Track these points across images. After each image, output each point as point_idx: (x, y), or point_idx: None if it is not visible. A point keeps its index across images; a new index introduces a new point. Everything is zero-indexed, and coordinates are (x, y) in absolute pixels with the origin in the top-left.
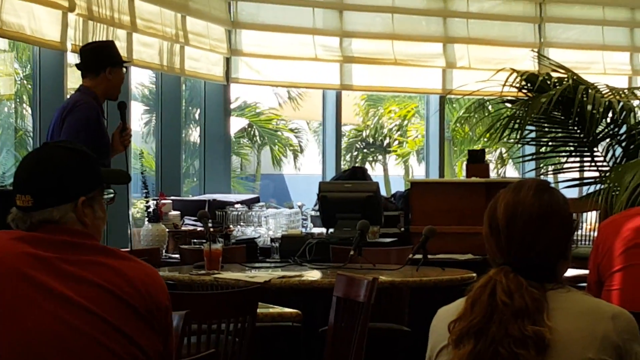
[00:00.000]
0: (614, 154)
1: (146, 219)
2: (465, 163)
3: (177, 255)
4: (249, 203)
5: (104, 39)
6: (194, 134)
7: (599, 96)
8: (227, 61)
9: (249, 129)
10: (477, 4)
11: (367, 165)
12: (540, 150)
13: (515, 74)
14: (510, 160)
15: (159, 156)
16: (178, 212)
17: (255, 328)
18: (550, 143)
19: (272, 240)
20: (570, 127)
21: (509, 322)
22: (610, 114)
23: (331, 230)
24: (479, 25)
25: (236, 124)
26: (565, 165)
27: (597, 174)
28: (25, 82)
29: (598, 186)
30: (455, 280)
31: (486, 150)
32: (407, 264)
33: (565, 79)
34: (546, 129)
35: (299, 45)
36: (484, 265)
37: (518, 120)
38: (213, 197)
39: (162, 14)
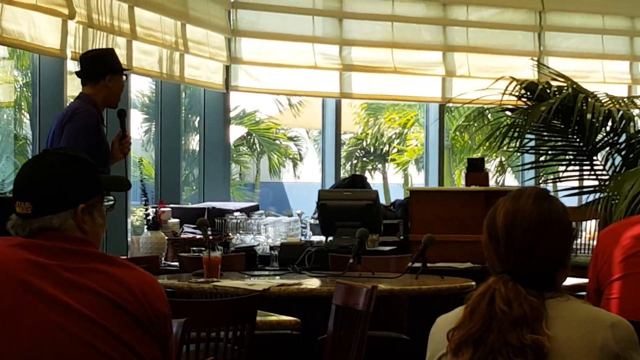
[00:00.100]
0: (613, 163)
1: (145, 226)
2: (464, 171)
3: (176, 263)
4: (248, 211)
5: (104, 46)
6: (194, 142)
7: (598, 105)
8: (227, 69)
9: (248, 137)
10: (477, 12)
11: (367, 174)
12: (540, 158)
13: (514, 83)
14: (510, 169)
15: (158, 164)
16: (177, 220)
17: (254, 336)
18: (549, 152)
19: (271, 248)
20: (569, 136)
21: (508, 331)
22: (609, 123)
23: (330, 238)
24: (478, 33)
25: (235, 132)
26: (565, 174)
27: (596, 182)
28: (24, 89)
29: (597, 195)
30: (455, 289)
31: (485, 158)
32: (406, 272)
33: (565, 88)
34: (546, 138)
35: (299, 53)
36: (483, 273)
37: (517, 129)
38: (212, 205)
39: (162, 22)
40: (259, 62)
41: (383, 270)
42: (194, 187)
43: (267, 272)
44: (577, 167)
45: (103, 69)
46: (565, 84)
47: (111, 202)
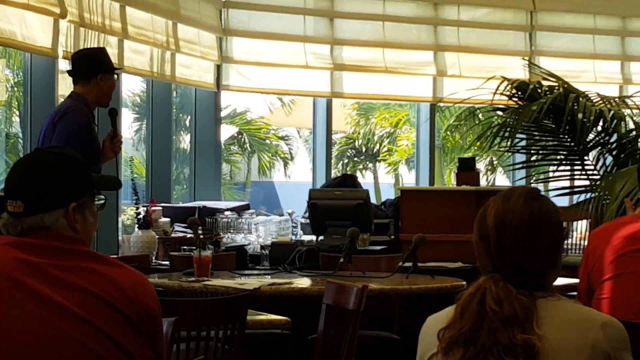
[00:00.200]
0: (604, 163)
1: (136, 225)
2: (454, 171)
3: (166, 262)
4: (239, 210)
5: (96, 45)
6: (185, 141)
7: (589, 105)
8: (218, 68)
9: (239, 136)
10: (468, 12)
11: (358, 174)
12: (531, 158)
13: (506, 82)
14: (501, 169)
15: (149, 163)
16: (168, 219)
17: (245, 335)
18: (540, 151)
19: (262, 247)
20: (560, 136)
21: (499, 330)
22: (601, 123)
23: (321, 237)
24: (469, 33)
25: (226, 131)
26: (556, 174)
27: (587, 182)
28: (16, 88)
29: (588, 195)
30: (445, 288)
31: (476, 158)
32: (396, 272)
33: (556, 88)
34: (537, 137)
35: (290, 52)
36: (474, 273)
37: (508, 129)
38: (203, 204)
39: (153, 21)
40: (250, 62)
41: (374, 270)
42: (185, 186)
43: (257, 272)
44: (568, 167)
45: (95, 68)
46: (556, 84)
47: (102, 201)
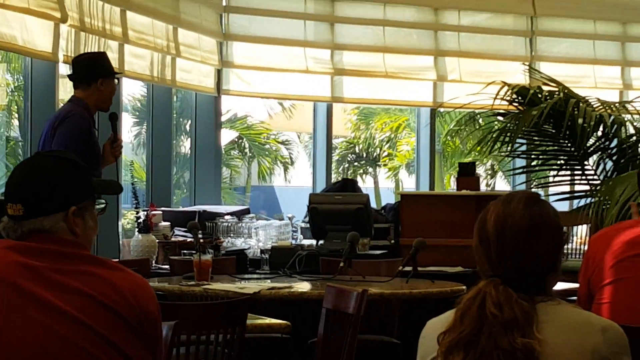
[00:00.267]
0: (604, 168)
1: (136, 229)
2: (454, 176)
3: (167, 266)
4: (239, 214)
5: (96, 50)
6: (185, 145)
7: (589, 110)
8: (218, 73)
9: (239, 141)
10: (469, 17)
11: (358, 178)
12: (531, 163)
13: (506, 87)
14: (501, 173)
15: (149, 167)
16: (168, 223)
17: (245, 339)
18: (541, 156)
19: (262, 251)
20: (561, 141)
21: (499, 334)
22: (601, 128)
23: (321, 242)
24: (470, 38)
25: (226, 136)
26: (556, 179)
27: (587, 187)
28: (15, 93)
29: (589, 200)
30: (445, 293)
31: (476, 163)
32: (396, 276)
33: (557, 93)
34: (537, 142)
35: (290, 57)
36: (474, 277)
37: (509, 133)
38: (203, 208)
39: (153, 26)
40: (250, 66)
41: (374, 274)
42: (185, 191)
43: (257, 276)
44: (568, 172)
45: (95, 73)
46: (556, 89)
47: (103, 205)
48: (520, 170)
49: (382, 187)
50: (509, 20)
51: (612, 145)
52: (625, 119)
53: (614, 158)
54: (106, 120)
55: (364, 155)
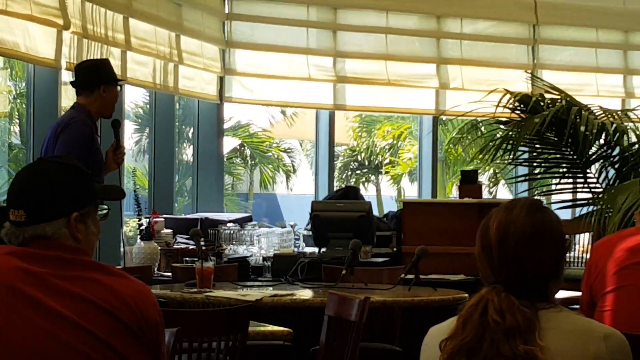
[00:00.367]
0: (607, 176)
1: (138, 236)
2: (457, 184)
3: (169, 273)
4: (241, 222)
5: (99, 57)
6: (187, 153)
7: (592, 117)
8: (221, 80)
9: (242, 148)
10: (471, 25)
11: (360, 186)
12: (533, 171)
13: (508, 95)
14: (503, 181)
15: (152, 174)
16: (170, 230)
17: (246, 346)
18: (543, 164)
19: (264, 259)
20: (563, 149)
21: (501, 341)
22: (603, 136)
23: (323, 249)
24: (472, 46)
25: (229, 143)
26: (558, 187)
27: (589, 195)
28: (18, 100)
29: (591, 208)
30: (447, 301)
31: (479, 171)
32: (399, 284)
33: (559, 100)
34: (539, 150)
35: (293, 65)
36: (477, 285)
37: (511, 141)
38: (205, 215)
39: (156, 33)
40: (253, 74)
41: (376, 282)
42: (187, 198)
43: (259, 283)
44: (570, 180)
45: (97, 79)
46: (559, 97)
47: (105, 211)
48: (523, 178)
49: (384, 195)
50: (512, 28)
51: (615, 153)
52: (628, 127)
53: (616, 166)
54: (109, 127)
55: (366, 163)
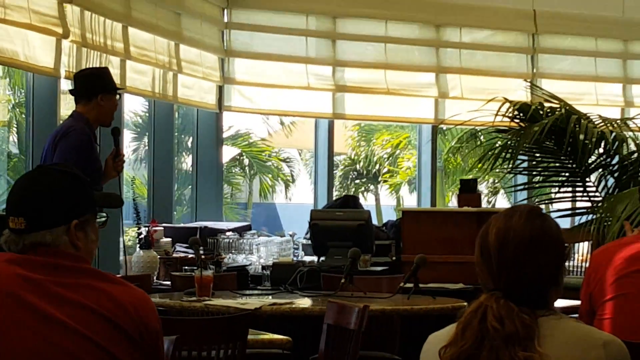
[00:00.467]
0: (606, 185)
1: (138, 245)
2: (456, 193)
3: (168, 282)
4: (240, 231)
5: (98, 65)
6: (186, 162)
7: (591, 126)
8: (220, 89)
9: (241, 158)
10: (470, 34)
11: (359, 196)
12: (533, 180)
13: (507, 104)
14: (502, 190)
15: (151, 183)
16: (169, 239)
17: (246, 354)
18: (542, 173)
19: (263, 267)
20: (562, 157)
21: (500, 348)
22: (602, 145)
23: (322, 258)
24: (471, 55)
25: (228, 152)
26: (557, 195)
27: (589, 204)
28: (16, 108)
29: (590, 216)
30: (447, 309)
31: (478, 180)
32: (398, 293)
33: (558, 109)
34: (538, 159)
35: (292, 74)
36: (476, 294)
37: (510, 150)
38: (204, 224)
39: (155, 42)
40: (252, 83)
41: (375, 291)
42: (187, 207)
43: (259, 292)
44: (569, 189)
45: (95, 88)
46: (558, 106)
47: (104, 219)
48: (522, 187)
49: (383, 204)
50: (511, 37)
51: (614, 162)
52: (627, 136)
53: (616, 175)
54: (108, 135)
55: (364, 172)
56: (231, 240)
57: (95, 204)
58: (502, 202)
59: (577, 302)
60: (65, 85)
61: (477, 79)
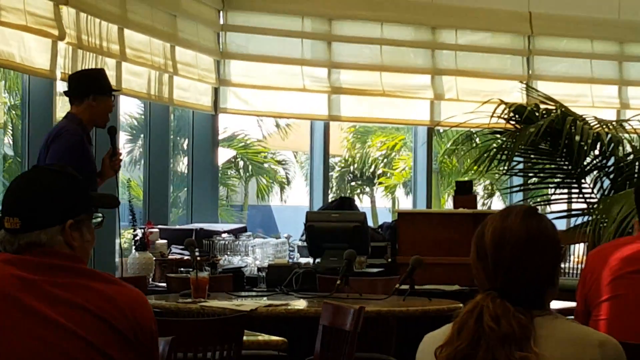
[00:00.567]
0: (602, 186)
1: (133, 247)
2: (452, 195)
3: (163, 284)
4: (236, 232)
5: (93, 67)
6: (182, 164)
7: (587, 128)
8: (216, 91)
9: (236, 160)
10: (466, 36)
11: (355, 197)
12: (528, 181)
13: (503, 106)
14: (498, 192)
15: (146, 185)
16: (165, 241)
17: (241, 356)
18: (538, 174)
19: (258, 269)
20: (558, 159)
21: (496, 348)
22: (598, 146)
23: (318, 260)
24: (467, 57)
25: (224, 154)
26: (553, 197)
27: (585, 205)
28: (13, 111)
29: (586, 218)
30: (442, 311)
31: (474, 181)
32: (393, 294)
33: (554, 110)
34: (534, 160)
35: (288, 75)
36: (471, 295)
37: (506, 152)
38: (200, 226)
39: (151, 44)
40: (247, 85)
41: (371, 292)
42: (182, 209)
43: (254, 293)
44: (565, 190)
45: (87, 89)
46: (554, 107)
47: (100, 219)
48: (518, 189)
49: (379, 206)
50: (506, 39)
51: (610, 163)
52: (623, 138)
53: (611, 176)
54: (105, 135)
55: (359, 175)
56: (227, 242)
57: (91, 203)
58: (498, 204)
59: (573, 304)
60: (61, 87)
61: (472, 81)
